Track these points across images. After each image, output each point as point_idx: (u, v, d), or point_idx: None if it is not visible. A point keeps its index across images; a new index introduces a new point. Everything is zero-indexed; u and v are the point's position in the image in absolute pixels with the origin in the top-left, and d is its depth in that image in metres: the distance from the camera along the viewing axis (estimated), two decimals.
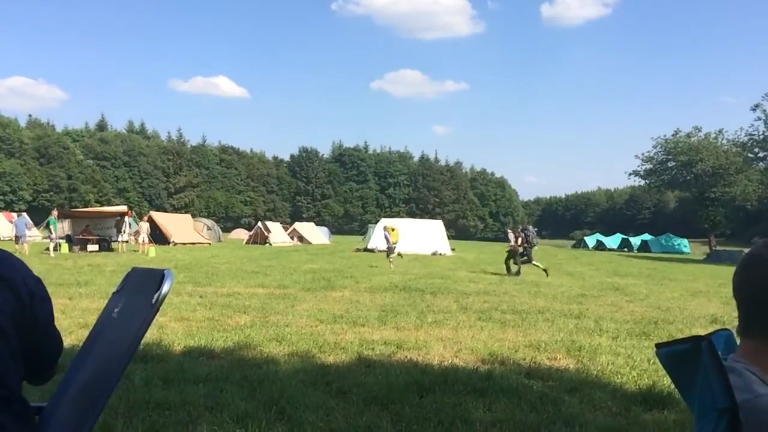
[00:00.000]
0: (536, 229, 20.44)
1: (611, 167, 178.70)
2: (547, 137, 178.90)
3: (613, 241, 66.79)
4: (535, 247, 19.16)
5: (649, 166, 59.10)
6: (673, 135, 57.03)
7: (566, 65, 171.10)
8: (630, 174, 61.96)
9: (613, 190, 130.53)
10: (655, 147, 57.97)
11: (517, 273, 18.00)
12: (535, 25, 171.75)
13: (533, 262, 18.50)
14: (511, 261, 18.69)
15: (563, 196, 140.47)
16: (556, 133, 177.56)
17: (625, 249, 62.65)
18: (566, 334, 8.05)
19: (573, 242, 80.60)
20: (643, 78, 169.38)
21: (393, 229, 21.97)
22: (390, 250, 20.63)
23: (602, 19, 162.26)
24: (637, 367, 6.14)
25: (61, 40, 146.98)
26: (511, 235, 19.23)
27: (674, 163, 56.97)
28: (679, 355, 1.20)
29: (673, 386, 5.08)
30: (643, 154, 59.23)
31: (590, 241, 68.46)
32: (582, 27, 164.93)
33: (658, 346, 1.26)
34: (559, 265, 26.58)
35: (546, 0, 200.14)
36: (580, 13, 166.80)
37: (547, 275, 17.71)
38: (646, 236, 66.40)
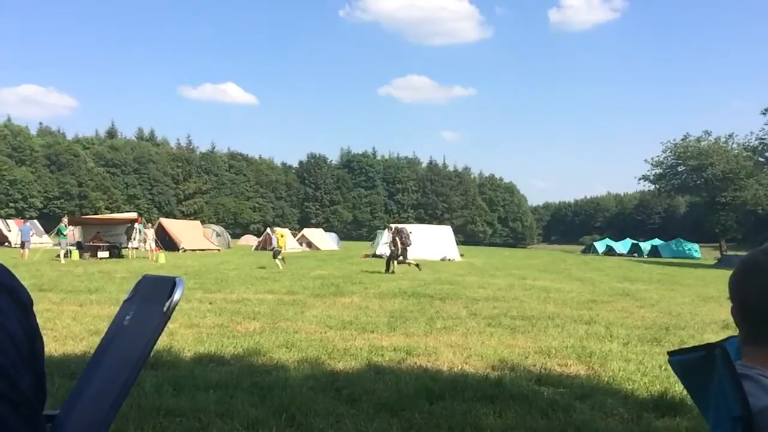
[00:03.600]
0: (411, 231, 21.47)
1: (620, 172, 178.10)
2: (555, 142, 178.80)
3: (622, 246, 66.47)
4: (410, 247, 20.06)
5: (659, 170, 58.82)
6: (682, 139, 56.77)
7: (574, 70, 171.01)
8: (640, 179, 61.69)
9: (622, 194, 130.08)
10: (664, 151, 57.74)
11: (416, 265, 19.20)
12: (542, 30, 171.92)
13: (407, 260, 19.46)
14: (393, 261, 19.67)
15: (572, 201, 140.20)
16: (564, 137, 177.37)
17: (635, 254, 62.31)
18: (576, 340, 8.01)
19: (582, 247, 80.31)
20: (651, 82, 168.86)
21: (282, 236, 23.58)
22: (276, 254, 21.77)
23: (610, 23, 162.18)
24: (649, 374, 6.09)
25: (72, 48, 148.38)
26: (388, 234, 20.26)
27: (684, 168, 56.66)
28: (692, 362, 1.19)
29: (685, 393, 5.03)
30: (652, 158, 59.03)
31: (600, 246, 68.18)
32: (590, 32, 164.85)
33: (670, 353, 1.25)
34: (569, 270, 26.48)
35: (554, 5, 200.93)
36: (588, 17, 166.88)
37: (420, 269, 18.86)
38: (657, 241, 66.03)
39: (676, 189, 60.60)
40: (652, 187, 62.46)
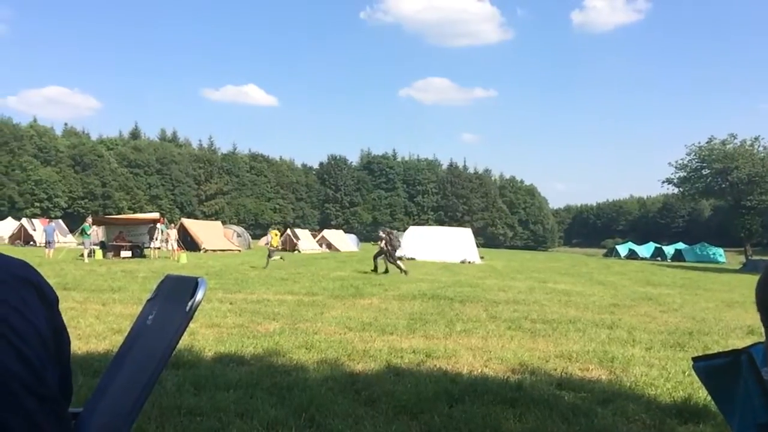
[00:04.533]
0: (399, 235, 23.10)
1: (643, 175, 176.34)
2: (577, 144, 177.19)
3: (645, 249, 65.75)
4: (399, 250, 21.12)
5: (683, 173, 58.02)
6: (707, 142, 55.97)
7: (597, 71, 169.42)
8: (663, 182, 60.87)
9: (645, 197, 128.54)
10: (689, 154, 56.93)
11: (401, 270, 19.65)
12: (565, 31, 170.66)
13: (397, 262, 20.17)
14: (380, 259, 20.55)
15: (594, 203, 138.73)
16: (586, 140, 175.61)
17: (659, 258, 61.62)
18: (598, 344, 7.93)
19: (604, 251, 79.59)
20: (676, 84, 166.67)
21: (276, 234, 24.80)
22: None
23: (634, 25, 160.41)
24: (672, 379, 6.01)
25: (97, 50, 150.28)
26: (382, 234, 21.10)
27: (709, 171, 55.84)
28: (717, 368, 1.18)
29: (709, 399, 4.97)
30: (676, 161, 58.20)
31: (622, 249, 67.53)
32: (613, 33, 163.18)
33: (695, 359, 1.24)
34: (590, 274, 26.25)
35: (576, 6, 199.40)
36: (611, 19, 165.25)
37: (406, 275, 19.09)
38: (680, 245, 65.26)
39: (700, 192, 59.72)
40: (676, 190, 61.65)
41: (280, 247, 25.17)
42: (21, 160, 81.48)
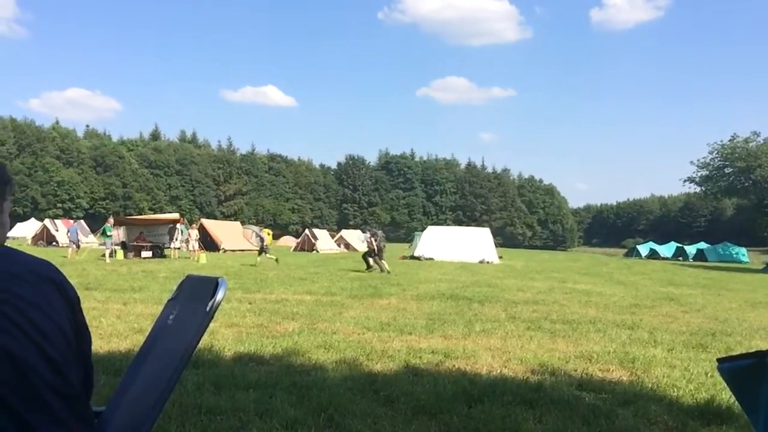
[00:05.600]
0: (384, 234, 23.50)
1: (664, 174, 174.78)
2: (597, 143, 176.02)
3: (667, 249, 64.97)
4: (384, 249, 21.65)
5: (705, 172, 57.22)
6: (730, 140, 55.13)
7: (617, 70, 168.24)
8: (685, 180, 60.07)
9: (666, 197, 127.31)
10: (711, 153, 56.14)
11: (381, 269, 20.32)
12: (584, 29, 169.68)
13: (380, 261, 20.73)
14: (369, 258, 21.17)
15: (614, 203, 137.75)
16: (606, 139, 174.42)
17: (680, 258, 60.86)
18: (619, 345, 7.85)
19: (625, 251, 78.80)
20: (696, 82, 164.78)
21: (269, 233, 26.15)
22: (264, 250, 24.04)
23: (654, 21, 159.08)
24: (695, 380, 5.93)
25: (117, 53, 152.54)
26: (367, 235, 21.76)
27: (732, 170, 55.04)
28: (742, 370, 1.16)
29: (733, 400, 4.92)
30: (698, 160, 57.38)
31: (643, 249, 66.79)
32: (633, 30, 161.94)
33: (720, 360, 1.22)
34: (611, 273, 26.01)
35: (596, 4, 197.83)
36: (631, 16, 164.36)
37: (389, 274, 19.54)
38: (702, 245, 64.38)
39: (722, 191, 58.86)
40: (698, 189, 60.90)
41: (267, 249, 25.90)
42: (44, 161, 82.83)
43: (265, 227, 29.68)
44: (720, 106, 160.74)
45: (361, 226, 28.19)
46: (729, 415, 4.67)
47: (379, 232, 22.14)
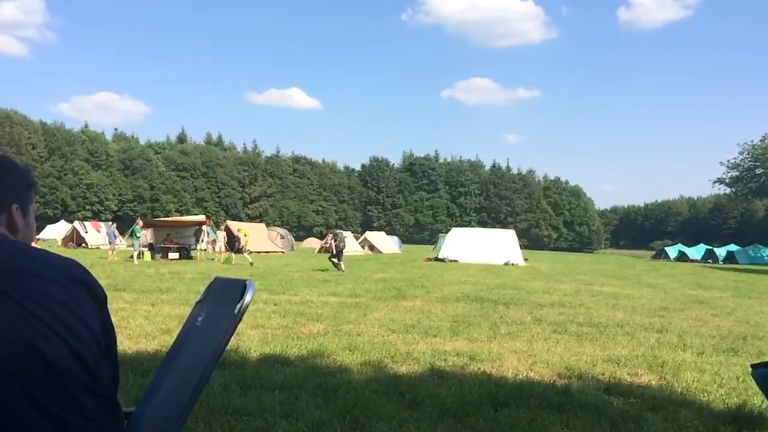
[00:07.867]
0: (345, 236, 24.98)
1: (693, 174, 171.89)
2: (623, 144, 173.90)
3: (696, 251, 63.86)
4: (343, 250, 22.38)
5: (735, 173, 56.35)
6: (761, 141, 54.23)
7: (644, 69, 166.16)
8: (714, 182, 59.32)
9: (695, 198, 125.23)
10: (741, 153, 55.33)
11: (337, 268, 21.16)
12: (611, 29, 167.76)
13: (338, 262, 21.57)
14: (334, 259, 21.91)
15: (642, 204, 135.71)
16: (633, 139, 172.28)
17: (710, 260, 59.78)
18: (647, 348, 7.74)
19: (653, 253, 77.63)
20: (726, 81, 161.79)
21: (245, 234, 27.57)
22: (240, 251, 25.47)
23: (683, 21, 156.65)
24: (725, 385, 5.82)
25: (145, 57, 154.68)
26: (328, 237, 23.10)
27: (763, 170, 54.06)
28: None
29: (765, 406, 4.82)
30: (728, 160, 56.62)
31: (672, 251, 65.72)
32: (661, 30, 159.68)
33: (754, 366, 1.20)
34: (638, 276, 25.66)
35: (622, 3, 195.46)
36: (659, 16, 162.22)
37: (339, 269, 20.92)
38: (733, 247, 63.13)
39: (753, 192, 57.87)
40: (728, 190, 59.98)
41: (250, 250, 27.08)
42: (73, 164, 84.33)
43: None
44: (750, 106, 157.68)
45: (330, 230, 29.78)
46: (761, 421, 4.58)
47: (340, 234, 23.15)
